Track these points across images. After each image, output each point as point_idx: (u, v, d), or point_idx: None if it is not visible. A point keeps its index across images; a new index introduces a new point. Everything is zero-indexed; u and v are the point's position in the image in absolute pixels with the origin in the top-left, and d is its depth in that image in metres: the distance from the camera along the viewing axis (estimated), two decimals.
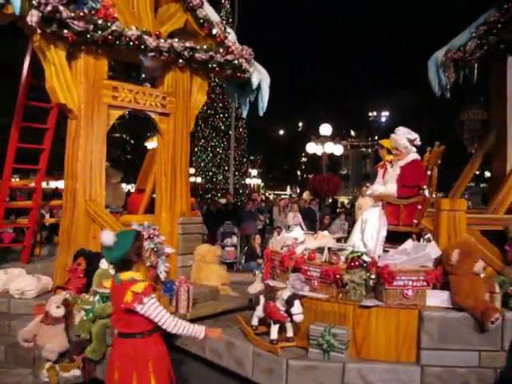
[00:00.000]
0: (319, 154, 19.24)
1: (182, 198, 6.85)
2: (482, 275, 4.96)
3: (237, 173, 41.58)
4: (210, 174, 44.49)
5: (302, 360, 4.93)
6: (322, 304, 5.19)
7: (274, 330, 5.10)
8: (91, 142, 5.91)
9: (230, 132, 32.55)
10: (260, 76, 7.68)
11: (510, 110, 6.96)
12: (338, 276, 5.09)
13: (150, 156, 7.12)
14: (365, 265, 5.06)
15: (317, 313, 5.21)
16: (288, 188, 50.08)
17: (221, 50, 7.05)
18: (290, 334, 5.14)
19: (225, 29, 7.15)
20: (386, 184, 5.73)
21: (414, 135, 5.76)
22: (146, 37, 6.10)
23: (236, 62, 7.16)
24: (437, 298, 4.91)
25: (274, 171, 47.99)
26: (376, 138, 42.47)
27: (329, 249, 5.38)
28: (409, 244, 5.13)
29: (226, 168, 42.87)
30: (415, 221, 5.62)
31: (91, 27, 5.67)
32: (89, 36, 5.70)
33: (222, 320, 6.01)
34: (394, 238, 5.58)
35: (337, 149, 19.56)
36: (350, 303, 5.02)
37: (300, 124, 51.68)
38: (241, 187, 37.80)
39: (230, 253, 11.31)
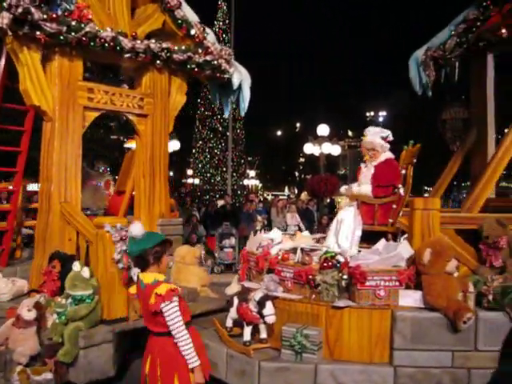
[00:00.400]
0: (317, 154, 19.24)
1: (160, 200, 6.83)
2: (455, 274, 4.92)
3: (235, 174, 41.61)
4: (208, 175, 44.54)
5: (275, 361, 4.90)
6: (295, 305, 5.16)
7: (247, 332, 5.07)
8: (66, 144, 5.88)
9: (228, 133, 32.52)
10: (241, 76, 7.66)
11: (490, 108, 6.93)
12: (310, 277, 5.06)
13: (128, 157, 7.09)
14: (338, 265, 5.03)
15: (290, 314, 5.18)
16: (286, 189, 50.03)
17: (199, 51, 7.02)
18: (263, 335, 5.11)
19: (203, 29, 7.13)
20: (361, 184, 5.70)
21: (386, 132, 5.75)
22: (121, 38, 6.07)
23: (215, 62, 7.14)
24: (409, 298, 4.88)
25: (272, 172, 47.95)
26: None
27: (302, 249, 5.35)
28: (381, 244, 5.09)
29: (224, 169, 42.89)
30: (390, 220, 5.59)
31: (64, 29, 5.65)
32: (62, 38, 5.68)
33: (200, 322, 5.96)
34: (369, 238, 5.55)
35: (334, 149, 19.58)
36: (323, 304, 4.99)
37: (297, 125, 51.66)
38: (239, 188, 37.79)
39: (229, 254, 11.33)
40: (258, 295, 5.00)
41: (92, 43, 5.83)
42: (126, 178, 7.01)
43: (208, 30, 7.27)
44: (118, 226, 5.30)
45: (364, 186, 5.61)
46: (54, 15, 5.61)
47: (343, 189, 5.93)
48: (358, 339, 4.88)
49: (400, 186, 5.52)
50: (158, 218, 6.77)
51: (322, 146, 18.80)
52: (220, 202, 16.42)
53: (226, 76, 7.32)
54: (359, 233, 5.50)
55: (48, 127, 5.98)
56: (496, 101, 7.00)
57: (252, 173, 43.02)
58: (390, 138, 5.79)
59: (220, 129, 42.50)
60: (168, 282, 3.35)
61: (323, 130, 18.80)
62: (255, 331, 5.13)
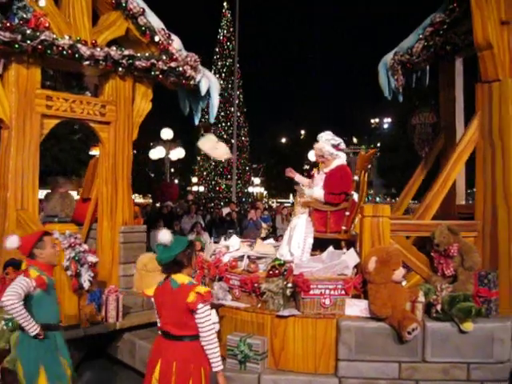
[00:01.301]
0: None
1: (123, 207, 6.79)
2: (403, 283, 4.81)
3: (239, 181, 41.58)
4: (213, 182, 44.54)
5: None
6: (241, 313, 5.08)
7: None
8: (23, 152, 5.87)
9: (233, 141, 32.57)
10: (209, 83, 7.62)
11: (458, 112, 6.80)
12: (256, 285, 4.98)
13: (92, 165, 7.06)
14: (284, 273, 4.94)
15: (237, 323, 5.10)
16: (291, 196, 49.87)
17: (164, 58, 6.99)
18: None
19: (168, 36, 7.10)
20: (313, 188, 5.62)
21: (338, 140, 5.67)
22: (79, 45, 6.06)
23: (180, 69, 7.10)
24: (355, 308, 4.77)
25: (277, 179, 47.85)
26: (378, 144, 42.14)
27: (248, 257, 5.27)
28: (326, 251, 5.00)
29: (229, 177, 42.88)
30: (344, 227, 5.49)
31: (19, 37, 5.64)
32: (17, 46, 5.68)
33: (154, 329, 5.92)
34: (324, 246, 5.45)
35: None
36: (267, 313, 4.90)
37: (302, 132, 51.55)
38: (244, 196, 37.73)
39: None
40: None
41: (49, 51, 5.83)
42: (91, 185, 6.98)
43: (174, 36, 7.24)
44: (67, 233, 5.27)
45: (316, 189, 5.52)
46: (9, 24, 5.61)
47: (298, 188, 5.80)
48: (302, 349, 4.78)
49: (353, 192, 5.43)
50: (120, 225, 6.72)
51: None
52: (225, 210, 16.38)
53: (191, 83, 7.27)
54: (311, 240, 5.41)
55: (5, 135, 5.98)
56: (465, 105, 6.86)
57: (257, 180, 42.97)
58: (342, 145, 5.71)
59: (225, 136, 42.60)
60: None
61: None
62: None
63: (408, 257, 5.09)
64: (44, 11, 5.94)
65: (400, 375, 4.65)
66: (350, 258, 4.88)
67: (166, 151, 19.61)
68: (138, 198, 49.04)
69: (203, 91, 7.56)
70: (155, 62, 6.86)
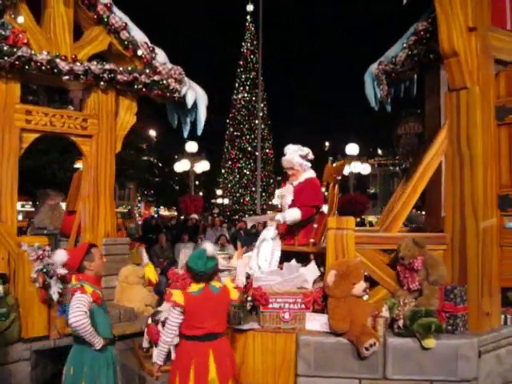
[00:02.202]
0: (346, 173, 19.12)
1: (106, 220, 6.85)
2: (364, 298, 4.68)
3: (264, 193, 41.66)
4: (238, 195, 44.83)
5: None
6: None
7: (155, 353, 4.95)
8: (1, 165, 5.97)
9: (257, 153, 32.66)
10: (195, 95, 7.66)
11: (443, 121, 6.62)
12: None
13: (76, 177, 7.16)
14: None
15: None
16: None
17: (147, 71, 7.07)
18: (173, 355, 4.99)
19: (152, 49, 7.18)
20: (285, 211, 5.50)
21: (306, 150, 5.61)
22: (58, 60, 6.19)
23: (164, 82, 7.17)
24: (316, 322, 4.67)
25: None
26: None
27: None
28: (285, 265, 4.91)
29: (253, 189, 42.95)
30: (312, 240, 5.39)
31: None
32: None
33: (130, 342, 5.92)
34: (294, 259, 5.35)
35: (364, 168, 19.43)
36: (228, 326, 4.83)
37: (326, 144, 51.26)
38: (268, 208, 37.65)
39: None
40: (163, 316, 4.90)
41: (27, 67, 5.96)
42: (75, 198, 7.07)
43: (158, 50, 7.31)
44: (36, 246, 5.34)
45: (291, 211, 5.39)
46: None
47: (278, 218, 5.59)
48: (262, 364, 4.70)
49: (324, 205, 5.33)
50: (102, 237, 6.78)
51: (352, 165, 18.68)
52: (250, 223, 16.40)
53: (176, 95, 7.32)
54: (278, 253, 5.33)
55: None
56: None
57: None
58: (310, 156, 5.65)
59: (249, 149, 42.88)
60: None
61: (352, 149, 18.77)
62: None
63: (374, 270, 4.96)
64: (23, 28, 6.08)
65: None
66: (310, 271, 4.79)
67: (190, 164, 19.79)
68: (163, 211, 49.66)
69: (189, 104, 7.60)
70: (137, 75, 6.94)
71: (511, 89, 4.94)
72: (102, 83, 6.71)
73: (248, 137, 42.55)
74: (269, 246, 5.36)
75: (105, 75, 6.64)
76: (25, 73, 6.11)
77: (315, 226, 5.37)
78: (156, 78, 7.13)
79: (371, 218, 35.95)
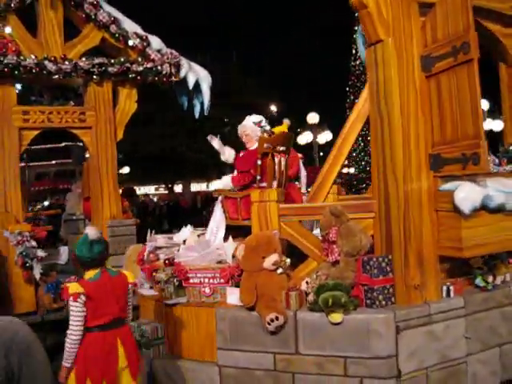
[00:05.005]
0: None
1: (110, 203, 7.41)
2: (278, 271, 4.55)
3: None
4: (363, 163, 43.62)
5: None
6: (150, 302, 5.30)
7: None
8: (3, 162, 6.78)
9: None
10: (196, 76, 7.87)
11: None
12: (153, 274, 5.16)
13: (87, 167, 7.81)
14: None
15: (149, 311, 5.34)
16: None
17: (139, 60, 7.42)
18: None
19: (145, 38, 7.50)
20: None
21: (259, 118, 5.54)
22: (46, 62, 6.80)
23: (159, 68, 7.47)
24: (234, 296, 4.69)
25: None
26: None
27: (157, 247, 5.45)
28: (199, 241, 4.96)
29: None
30: None
31: None
32: None
33: None
34: (241, 233, 5.36)
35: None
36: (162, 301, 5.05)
37: None
38: None
39: None
40: None
41: (16, 72, 6.65)
42: (88, 185, 7.74)
43: (152, 37, 7.61)
44: (16, 232, 6.05)
45: (224, 177, 5.45)
46: None
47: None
48: (190, 337, 4.86)
49: (258, 176, 5.22)
50: (108, 219, 7.36)
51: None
52: None
53: (172, 79, 7.59)
54: (223, 229, 5.37)
55: None
56: None
57: None
58: (263, 123, 5.56)
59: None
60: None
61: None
62: None
63: (302, 242, 4.79)
64: (12, 37, 6.77)
65: (275, 367, 4.44)
66: (229, 245, 4.79)
67: (313, 135, 19.95)
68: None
69: (190, 85, 7.88)
70: (129, 65, 7.33)
71: (436, 35, 4.33)
72: (94, 77, 7.21)
73: None
74: (215, 220, 5.44)
75: (95, 69, 7.12)
76: (19, 77, 6.82)
77: None
78: (149, 65, 7.46)
79: None
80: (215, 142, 5.72)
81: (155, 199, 25.93)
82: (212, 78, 8.06)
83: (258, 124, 5.53)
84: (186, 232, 6.06)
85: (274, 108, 35.85)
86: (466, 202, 4.08)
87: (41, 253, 6.06)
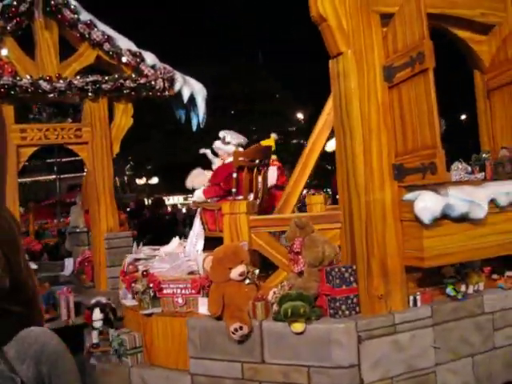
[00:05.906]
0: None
1: (107, 217, 7.62)
2: (245, 282, 4.63)
3: None
4: None
5: (103, 363, 5.30)
6: (131, 312, 5.45)
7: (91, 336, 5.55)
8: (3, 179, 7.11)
9: None
10: (191, 90, 8.05)
11: None
12: (132, 285, 5.31)
13: (85, 180, 8.06)
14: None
15: (130, 321, 5.49)
16: None
17: (133, 76, 7.65)
18: (94, 340, 5.50)
19: (138, 54, 7.72)
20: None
21: (222, 134, 5.65)
22: (41, 81, 7.09)
23: (152, 82, 7.68)
24: (205, 306, 4.79)
25: None
26: None
27: (137, 259, 5.60)
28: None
29: None
30: None
31: None
32: None
33: None
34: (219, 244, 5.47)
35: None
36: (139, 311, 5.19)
37: None
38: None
39: None
40: (92, 302, 5.47)
41: (12, 92, 6.96)
42: (87, 198, 7.99)
43: (146, 53, 7.82)
44: None
45: (197, 191, 5.58)
46: None
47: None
48: (165, 346, 4.99)
49: (233, 189, 5.33)
50: (105, 232, 7.58)
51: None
52: None
53: (166, 94, 7.79)
54: (201, 240, 5.49)
55: None
56: None
57: None
58: (228, 139, 5.69)
59: None
60: None
61: None
62: None
63: (271, 253, 4.87)
64: (9, 59, 7.09)
65: (243, 375, 4.51)
66: (200, 257, 4.90)
67: None
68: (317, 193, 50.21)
69: (185, 99, 8.05)
70: (123, 81, 7.56)
71: (397, 45, 4.37)
72: (89, 94, 7.47)
73: None
74: (194, 232, 5.57)
75: (89, 87, 7.38)
76: (16, 96, 7.13)
77: None
78: (142, 80, 7.67)
79: None
80: (208, 154, 5.98)
81: (184, 209, 26.17)
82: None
83: (223, 140, 5.67)
84: (174, 243, 6.22)
85: (300, 116, 35.85)
86: (425, 212, 4.10)
87: (33, 265, 6.29)
